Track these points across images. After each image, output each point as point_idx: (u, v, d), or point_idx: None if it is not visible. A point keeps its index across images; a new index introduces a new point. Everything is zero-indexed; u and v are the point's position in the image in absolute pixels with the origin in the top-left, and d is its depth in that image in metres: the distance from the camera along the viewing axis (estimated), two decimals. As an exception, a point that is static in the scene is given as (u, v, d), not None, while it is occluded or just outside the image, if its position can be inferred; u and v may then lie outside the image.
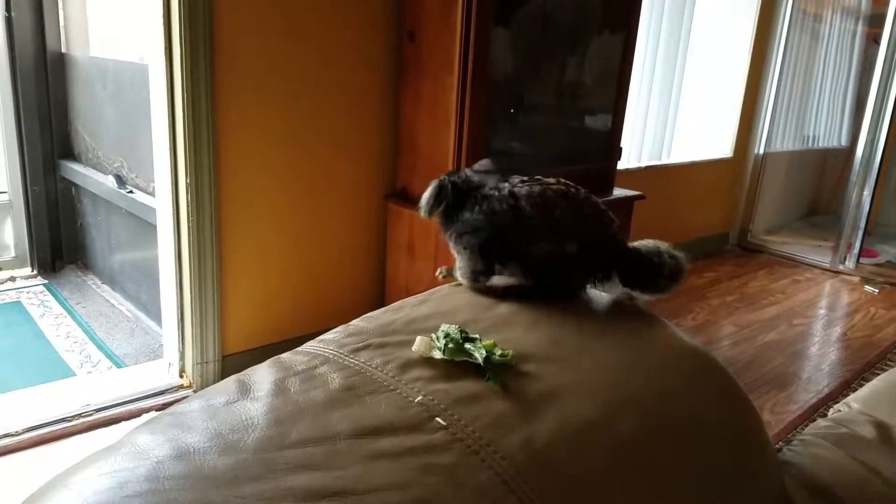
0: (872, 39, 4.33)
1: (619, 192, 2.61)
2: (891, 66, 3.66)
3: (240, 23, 1.85)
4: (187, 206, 1.89)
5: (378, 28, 2.17)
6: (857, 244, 3.87)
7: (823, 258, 3.97)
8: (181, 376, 2.04)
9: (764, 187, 4.23)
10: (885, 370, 2.68)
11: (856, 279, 3.77)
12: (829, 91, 4.54)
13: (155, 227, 2.11)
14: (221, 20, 1.81)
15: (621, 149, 2.65)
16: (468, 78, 2.03)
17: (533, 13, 2.25)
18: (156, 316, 2.45)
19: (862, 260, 3.90)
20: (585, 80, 2.53)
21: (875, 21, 4.31)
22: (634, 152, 3.29)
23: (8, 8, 2.82)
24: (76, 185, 3.07)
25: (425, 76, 2.15)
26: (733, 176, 4.08)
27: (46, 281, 2.99)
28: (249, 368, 0.73)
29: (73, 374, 2.21)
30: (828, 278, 3.79)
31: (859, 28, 4.57)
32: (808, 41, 4.19)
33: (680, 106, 3.49)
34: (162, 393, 1.97)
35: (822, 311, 3.33)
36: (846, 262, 3.89)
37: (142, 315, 2.66)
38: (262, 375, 0.70)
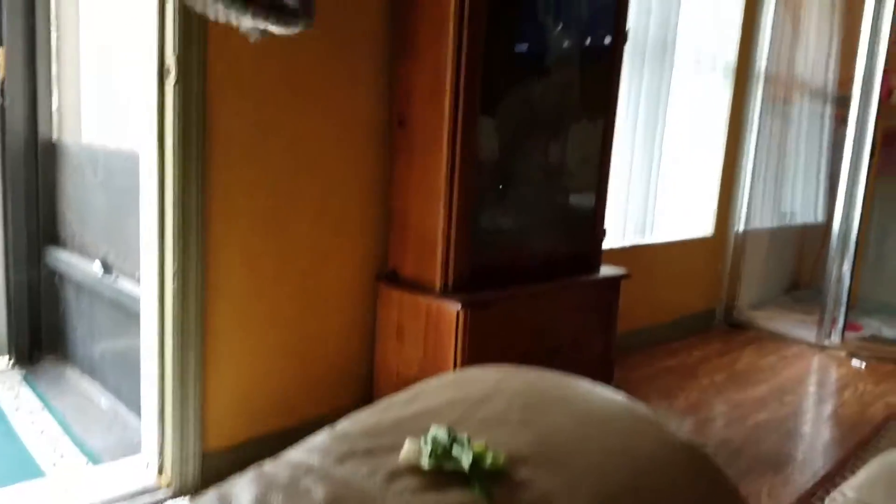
0: (840, 120, 4.51)
1: (605, 270, 2.64)
2: (860, 145, 3.80)
3: (233, 114, 1.89)
4: (173, 294, 1.88)
5: (369, 115, 2.23)
6: (841, 318, 3.89)
7: (809, 333, 3.98)
8: (160, 474, 1.97)
9: (746, 264, 4.29)
10: (878, 447, 2.65)
11: (842, 354, 3.77)
12: (802, 169, 4.69)
13: (138, 316, 2.08)
14: (214, 112, 1.85)
15: (605, 230, 2.69)
16: (456, 164, 2.08)
17: (516, 103, 2.33)
18: (136, 409, 2.38)
19: (847, 334, 3.92)
20: (569, 164, 2.60)
21: (842, 103, 4.50)
22: (618, 231, 3.34)
23: (2, 96, 2.87)
24: (60, 272, 3.04)
25: (415, 161, 2.20)
26: (715, 253, 4.14)
27: (24, 372, 2.92)
28: (231, 480, 0.70)
29: (44, 475, 2.12)
30: (815, 353, 3.80)
31: (827, 110, 4.77)
32: (780, 123, 4.35)
33: (660, 187, 3.58)
34: (139, 494, 1.89)
35: (812, 388, 3.32)
36: (831, 337, 3.91)
37: (121, 408, 2.59)
38: (244, 490, 0.67)
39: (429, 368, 2.15)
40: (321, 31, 2.02)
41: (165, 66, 1.76)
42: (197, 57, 1.72)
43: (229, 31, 1.79)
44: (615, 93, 2.59)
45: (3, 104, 2.86)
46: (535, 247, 2.48)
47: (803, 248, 5.15)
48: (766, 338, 4.03)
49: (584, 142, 2.57)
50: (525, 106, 2.37)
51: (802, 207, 4.79)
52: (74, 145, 2.95)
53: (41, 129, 2.97)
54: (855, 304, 4.21)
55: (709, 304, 4.18)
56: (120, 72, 2.74)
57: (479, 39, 2.03)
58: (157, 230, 1.88)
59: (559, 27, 2.39)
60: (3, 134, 2.89)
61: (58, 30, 2.88)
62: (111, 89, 2.85)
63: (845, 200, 3.87)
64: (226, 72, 1.85)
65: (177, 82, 1.73)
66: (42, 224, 3.04)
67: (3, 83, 2.82)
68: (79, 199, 2.94)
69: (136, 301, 2.23)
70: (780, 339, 4.01)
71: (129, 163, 2.43)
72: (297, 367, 2.19)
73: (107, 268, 2.69)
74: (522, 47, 2.33)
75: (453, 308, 2.05)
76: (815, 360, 3.68)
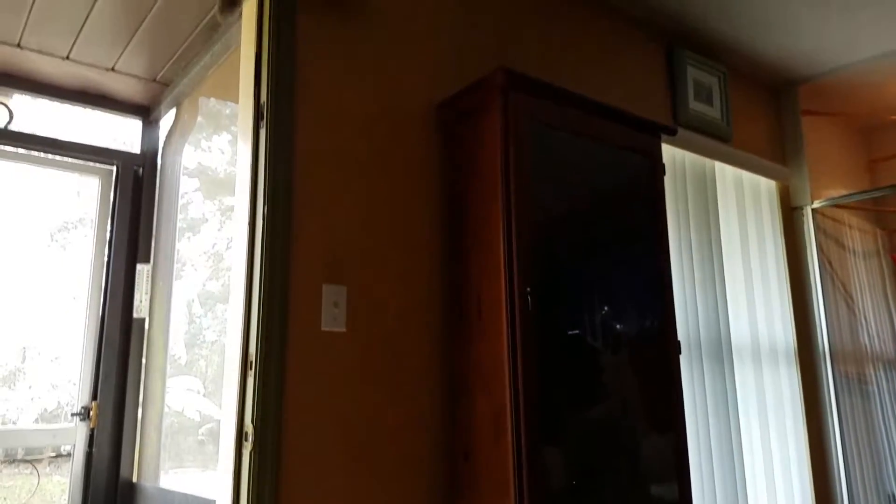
0: (925, 391, 4.30)
1: None
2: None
3: (300, 480, 1.95)
4: None
5: (435, 449, 2.27)
6: None
7: None
8: None
9: (866, 560, 3.79)
10: None
11: None
12: (899, 446, 4.36)
13: None
14: (285, 473, 1.91)
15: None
16: (523, 498, 2.03)
17: (583, 429, 2.34)
18: None
19: None
20: (646, 482, 2.50)
21: (920, 374, 4.33)
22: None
23: (90, 445, 3.07)
24: None
25: (481, 496, 2.16)
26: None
27: None
28: None
29: None
30: None
31: (907, 385, 4.59)
32: (861, 401, 4.17)
33: (748, 480, 3.38)
34: None
35: None
36: None
37: None
38: None
39: None
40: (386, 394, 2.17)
41: (244, 432, 1.88)
42: (272, 427, 1.85)
43: (305, 403, 1.95)
44: (680, 403, 2.58)
45: (91, 451, 3.05)
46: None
47: (927, 534, 4.55)
48: None
49: (657, 457, 2.50)
50: (593, 431, 2.38)
51: (911, 487, 4.35)
52: (152, 488, 3.03)
53: (123, 471, 3.10)
54: None
55: None
56: (199, 423, 2.93)
57: (534, 376, 2.12)
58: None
59: (608, 341, 2.49)
60: (88, 477, 3.03)
61: (146, 388, 3.17)
62: (189, 441, 3.01)
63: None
64: (298, 439, 1.96)
65: (253, 449, 1.83)
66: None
67: (93, 432, 3.04)
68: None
69: None
70: None
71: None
72: None
73: None
74: (571, 357, 2.40)
75: None
76: None
